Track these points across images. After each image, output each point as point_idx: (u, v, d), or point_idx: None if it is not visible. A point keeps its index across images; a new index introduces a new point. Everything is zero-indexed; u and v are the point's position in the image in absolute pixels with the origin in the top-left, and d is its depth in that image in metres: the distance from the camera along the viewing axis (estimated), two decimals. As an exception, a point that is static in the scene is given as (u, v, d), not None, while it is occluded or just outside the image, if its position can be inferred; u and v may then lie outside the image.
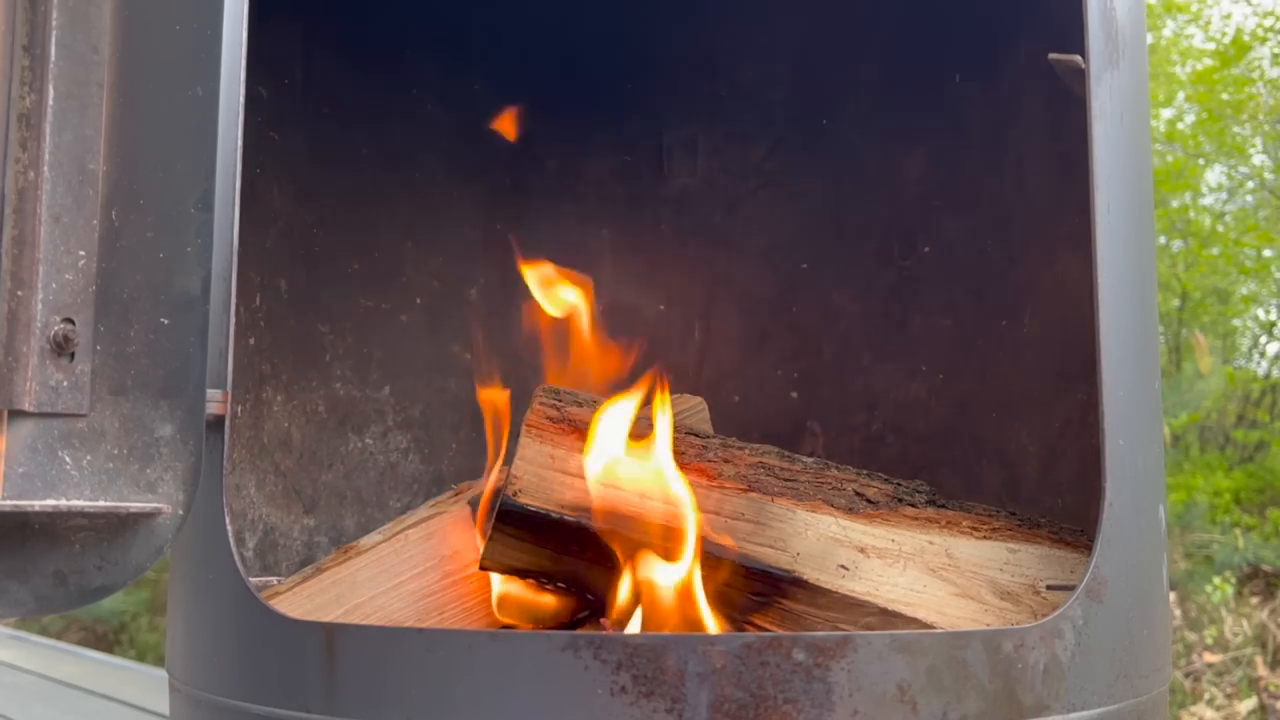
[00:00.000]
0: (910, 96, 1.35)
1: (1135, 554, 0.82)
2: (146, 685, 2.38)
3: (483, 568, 0.95)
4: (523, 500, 0.89)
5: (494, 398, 1.13)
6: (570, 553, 0.92)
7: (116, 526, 0.71)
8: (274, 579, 1.08)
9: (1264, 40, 5.12)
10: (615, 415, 0.91)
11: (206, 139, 0.76)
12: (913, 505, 0.93)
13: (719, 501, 0.89)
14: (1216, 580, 3.69)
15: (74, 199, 0.69)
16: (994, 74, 1.27)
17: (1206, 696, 3.28)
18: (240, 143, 0.84)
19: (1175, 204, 5.37)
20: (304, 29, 1.22)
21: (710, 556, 0.88)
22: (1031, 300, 1.22)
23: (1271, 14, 5.24)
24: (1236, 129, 5.15)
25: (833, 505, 0.91)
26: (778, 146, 1.46)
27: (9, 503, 0.66)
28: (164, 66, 0.74)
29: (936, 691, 0.71)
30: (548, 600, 0.98)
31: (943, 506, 0.93)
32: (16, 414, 0.67)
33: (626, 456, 0.88)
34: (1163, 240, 5.26)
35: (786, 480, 0.92)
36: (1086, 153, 0.84)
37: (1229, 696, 3.28)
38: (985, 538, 0.91)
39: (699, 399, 1.12)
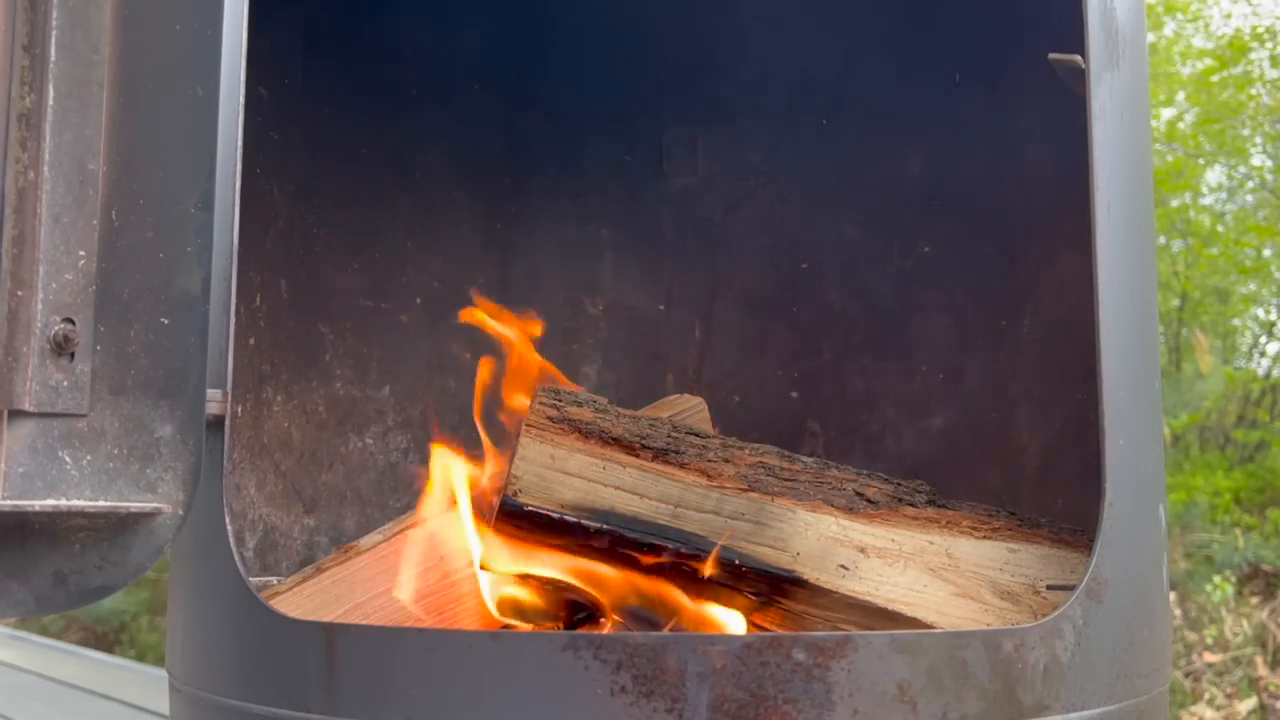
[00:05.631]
0: (910, 96, 1.35)
1: (1135, 554, 0.82)
2: (146, 685, 2.38)
3: (482, 568, 0.95)
4: (523, 500, 0.89)
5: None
6: (570, 552, 0.91)
7: (116, 526, 0.71)
8: (274, 579, 1.08)
9: (1263, 41, 5.12)
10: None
11: (206, 139, 0.76)
12: (913, 505, 0.93)
13: (719, 501, 0.89)
14: (1216, 580, 3.69)
15: (74, 199, 0.69)
16: (994, 74, 1.27)
17: (1206, 696, 3.29)
18: (240, 143, 0.84)
19: (1175, 204, 5.36)
20: (304, 29, 1.22)
21: (711, 557, 0.88)
22: (1031, 300, 1.22)
23: (1270, 15, 5.24)
24: (1236, 128, 5.15)
25: (833, 505, 0.91)
26: (778, 146, 1.46)
27: (9, 503, 0.66)
28: (164, 66, 0.74)
29: (936, 691, 0.71)
30: (548, 600, 0.98)
31: (943, 506, 0.93)
32: (16, 414, 0.67)
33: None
34: (1163, 240, 5.26)
35: (786, 480, 0.92)
36: (1086, 153, 0.84)
37: (1229, 696, 3.28)
38: (985, 538, 0.91)
39: (699, 399, 1.12)
